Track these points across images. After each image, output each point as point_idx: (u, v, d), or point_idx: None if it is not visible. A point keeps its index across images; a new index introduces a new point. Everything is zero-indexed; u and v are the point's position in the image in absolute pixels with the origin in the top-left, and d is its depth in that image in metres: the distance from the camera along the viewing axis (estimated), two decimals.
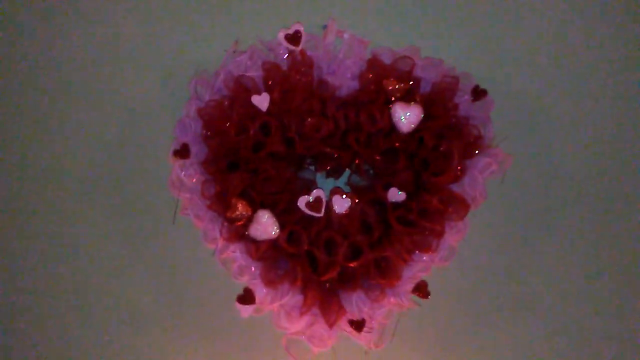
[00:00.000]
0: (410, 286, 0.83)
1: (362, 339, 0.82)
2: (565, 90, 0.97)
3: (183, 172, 0.84)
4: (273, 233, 0.80)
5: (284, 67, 0.85)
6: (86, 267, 0.97)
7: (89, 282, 0.98)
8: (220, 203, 0.82)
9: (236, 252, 0.82)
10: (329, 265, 0.80)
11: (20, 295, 0.98)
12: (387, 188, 0.82)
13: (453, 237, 0.85)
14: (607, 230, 0.96)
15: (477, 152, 0.85)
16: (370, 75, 0.85)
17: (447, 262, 0.85)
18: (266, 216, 0.80)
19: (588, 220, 0.96)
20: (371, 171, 0.88)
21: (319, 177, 0.91)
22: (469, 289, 0.96)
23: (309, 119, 0.83)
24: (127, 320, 0.98)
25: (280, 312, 0.82)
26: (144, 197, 0.95)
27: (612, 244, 0.96)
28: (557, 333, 0.96)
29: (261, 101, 0.82)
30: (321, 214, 0.82)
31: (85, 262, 0.97)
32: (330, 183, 0.90)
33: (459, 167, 0.82)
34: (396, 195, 0.81)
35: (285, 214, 0.82)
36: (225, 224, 0.82)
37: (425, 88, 0.86)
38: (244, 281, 0.83)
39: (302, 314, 0.81)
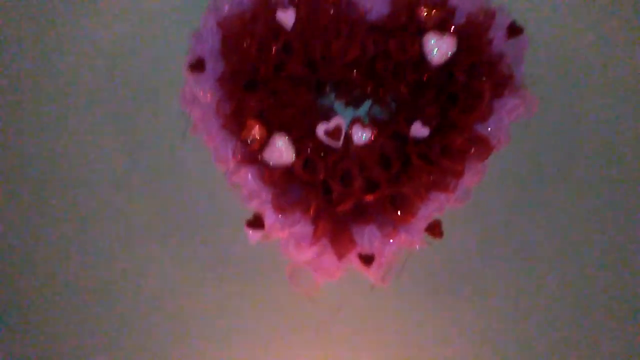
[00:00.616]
0: (423, 225, 0.81)
1: (370, 274, 0.81)
2: (598, 38, 0.93)
3: (197, 88, 0.79)
4: (289, 159, 0.77)
5: None
6: (85, 176, 0.94)
7: (87, 191, 0.94)
8: (235, 123, 0.78)
9: (247, 176, 0.79)
10: (343, 197, 0.78)
11: (15, 199, 0.94)
12: (410, 122, 0.78)
13: (470, 179, 0.82)
14: (627, 186, 0.94)
15: (506, 92, 0.81)
16: (403, 0, 0.79)
17: (462, 204, 0.83)
18: (282, 141, 0.76)
19: (609, 174, 0.94)
20: (394, 103, 0.84)
21: (337, 106, 0.87)
22: (479, 233, 0.94)
23: (336, 42, 0.78)
24: (123, 235, 0.95)
25: (290, 240, 0.80)
26: (153, 110, 0.91)
27: (631, 198, 0.95)
28: (563, 283, 0.96)
29: (286, 18, 0.77)
30: (339, 144, 0.78)
31: (84, 171, 0.94)
32: (349, 113, 0.87)
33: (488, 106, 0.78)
34: (420, 130, 0.78)
35: (302, 140, 0.79)
36: (239, 145, 0.78)
37: (459, 19, 0.81)
38: (252, 206, 0.81)
39: (312, 243, 0.79)
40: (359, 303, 0.94)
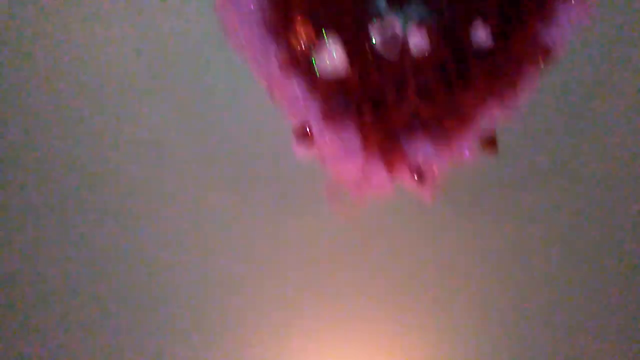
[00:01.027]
0: (475, 138, 0.77)
1: (420, 190, 0.77)
2: None
3: None
4: (342, 66, 0.70)
5: None
6: (102, 83, 0.85)
7: (105, 101, 0.86)
8: (281, 25, 0.70)
9: (293, 85, 0.73)
10: (397, 107, 0.72)
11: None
12: (472, 27, 0.72)
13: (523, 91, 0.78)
14: None
15: None
16: None
17: (511, 119, 0.80)
18: (336, 47, 0.69)
19: None
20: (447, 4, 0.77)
21: (380, 6, 0.79)
22: (526, 150, 0.91)
23: None
24: (144, 149, 0.88)
25: (338, 152, 0.75)
26: (180, 11, 0.82)
27: None
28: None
29: None
30: (395, 50, 0.72)
31: (102, 78, 0.85)
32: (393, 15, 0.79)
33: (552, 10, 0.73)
34: (484, 36, 0.72)
35: (351, 45, 0.72)
36: (285, 51, 0.71)
37: None
38: (297, 118, 0.75)
39: (362, 157, 0.74)
40: (397, 225, 0.91)
